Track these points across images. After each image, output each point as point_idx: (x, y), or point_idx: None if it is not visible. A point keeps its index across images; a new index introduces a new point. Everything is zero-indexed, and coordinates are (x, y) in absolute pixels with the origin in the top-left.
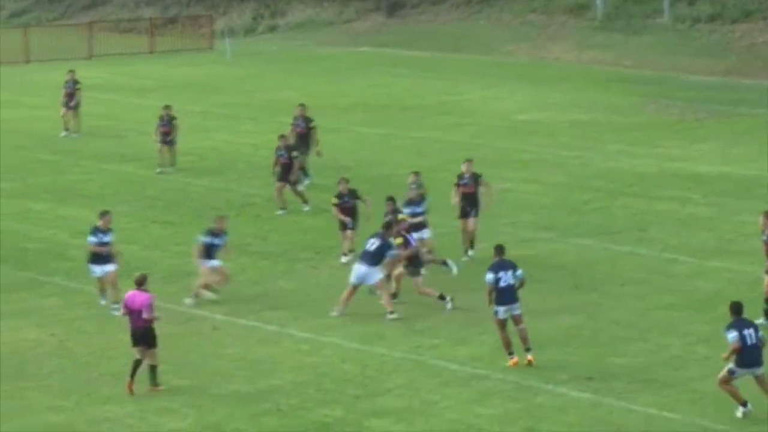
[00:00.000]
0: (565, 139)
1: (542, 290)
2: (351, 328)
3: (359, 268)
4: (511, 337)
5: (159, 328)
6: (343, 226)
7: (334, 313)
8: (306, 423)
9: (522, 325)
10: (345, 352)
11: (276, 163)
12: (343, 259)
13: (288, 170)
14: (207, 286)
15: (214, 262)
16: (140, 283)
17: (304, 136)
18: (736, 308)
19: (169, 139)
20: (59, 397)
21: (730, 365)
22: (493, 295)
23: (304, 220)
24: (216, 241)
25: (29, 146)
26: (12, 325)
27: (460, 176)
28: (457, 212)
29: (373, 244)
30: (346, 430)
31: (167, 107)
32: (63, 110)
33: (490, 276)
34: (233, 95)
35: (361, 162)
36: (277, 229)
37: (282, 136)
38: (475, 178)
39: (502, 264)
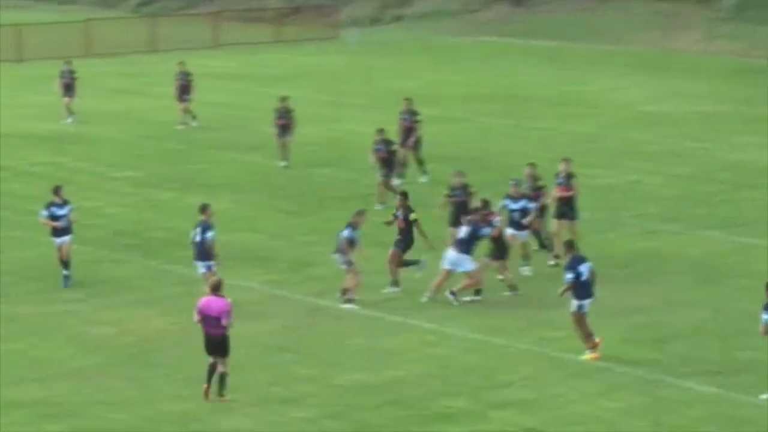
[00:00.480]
0: (692, 130)
1: (668, 282)
2: (473, 319)
3: (451, 254)
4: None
5: (284, 317)
6: (454, 222)
7: (424, 299)
8: (429, 414)
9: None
10: (468, 344)
11: (375, 158)
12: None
13: (387, 165)
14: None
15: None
16: (216, 288)
17: (410, 131)
18: None
19: (286, 131)
20: (181, 386)
21: None
22: (571, 291)
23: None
24: (355, 234)
25: (156, 136)
26: (138, 314)
27: (556, 175)
28: (552, 211)
29: (463, 231)
30: (469, 421)
31: (284, 99)
32: (179, 104)
33: (570, 275)
34: (358, 85)
35: (486, 153)
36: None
37: (380, 130)
38: (569, 178)
39: (578, 259)
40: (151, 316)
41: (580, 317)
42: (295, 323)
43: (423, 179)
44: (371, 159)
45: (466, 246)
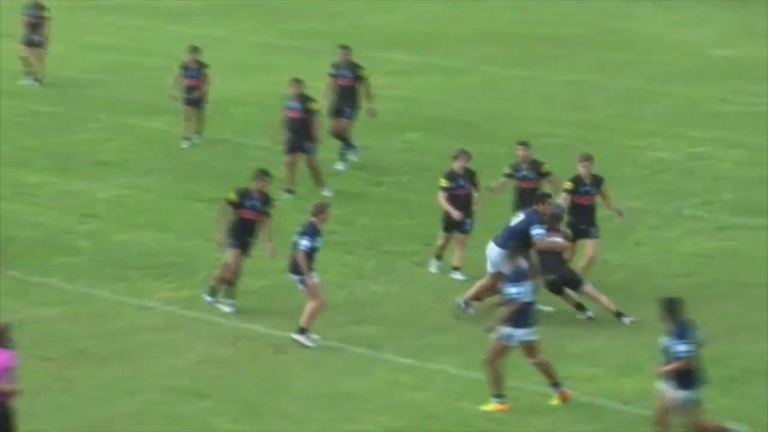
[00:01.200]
0: None
1: (747, 298)
2: (471, 352)
3: (492, 250)
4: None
5: (200, 350)
6: (450, 224)
7: (471, 311)
8: None
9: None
10: (461, 385)
11: (283, 122)
12: (434, 268)
13: (301, 131)
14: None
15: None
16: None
17: (351, 91)
18: None
19: (195, 97)
20: None
21: None
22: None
23: (407, 197)
24: (320, 241)
25: (18, 93)
26: None
27: (578, 181)
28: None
29: (517, 220)
30: None
31: (194, 50)
32: (23, 48)
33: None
34: (312, 21)
35: (490, 116)
36: (369, 211)
37: (296, 81)
38: (598, 184)
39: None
40: None
41: (501, 349)
42: (216, 358)
43: (352, 156)
44: (280, 123)
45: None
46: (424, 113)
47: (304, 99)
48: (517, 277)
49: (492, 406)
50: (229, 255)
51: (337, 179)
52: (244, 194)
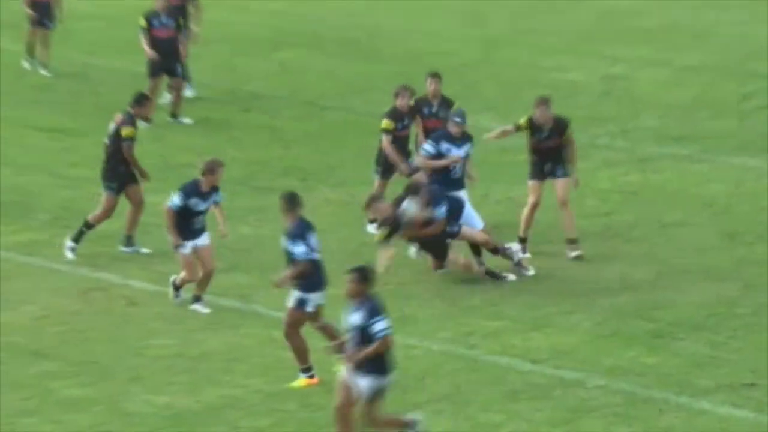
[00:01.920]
0: None
1: (673, 239)
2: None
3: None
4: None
5: (42, 303)
6: (388, 169)
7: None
8: None
9: None
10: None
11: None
12: (371, 228)
13: (171, 52)
14: (185, 282)
15: (200, 241)
16: None
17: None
18: None
19: (44, 17)
20: None
21: None
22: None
23: (281, 124)
24: (200, 204)
25: None
26: None
27: (536, 127)
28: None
29: None
30: None
31: None
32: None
33: (301, 248)
34: None
35: (375, 33)
36: (237, 142)
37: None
38: (560, 131)
39: (305, 226)
40: None
41: (298, 318)
42: (61, 312)
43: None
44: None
45: None
46: (299, 29)
47: (176, 13)
48: (300, 232)
49: (301, 381)
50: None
51: (198, 105)
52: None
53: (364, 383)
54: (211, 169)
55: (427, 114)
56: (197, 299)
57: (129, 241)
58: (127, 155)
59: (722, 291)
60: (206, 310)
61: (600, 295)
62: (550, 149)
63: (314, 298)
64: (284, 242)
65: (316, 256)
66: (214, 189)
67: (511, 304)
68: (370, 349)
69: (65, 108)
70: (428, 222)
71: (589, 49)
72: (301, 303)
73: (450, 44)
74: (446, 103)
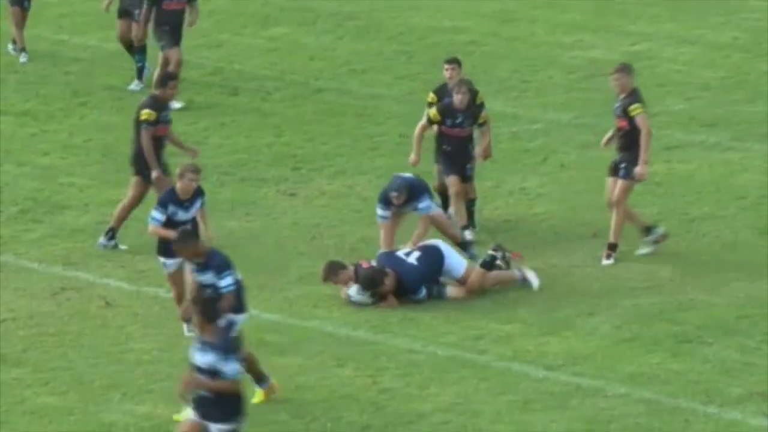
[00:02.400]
0: None
1: (701, 232)
2: (353, 305)
3: None
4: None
5: (16, 305)
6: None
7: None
8: None
9: None
10: (342, 347)
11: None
12: (468, 236)
13: (180, 24)
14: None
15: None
16: None
17: None
18: None
19: None
20: None
21: None
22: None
23: (272, 108)
24: (180, 213)
25: None
26: None
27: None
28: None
29: None
30: None
31: None
32: None
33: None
34: None
35: (378, 6)
36: (225, 127)
37: None
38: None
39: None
40: None
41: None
42: (32, 314)
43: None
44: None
45: None
46: (291, 3)
47: None
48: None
49: (258, 396)
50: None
51: (179, 87)
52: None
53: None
54: (180, 174)
55: (450, 125)
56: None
57: (111, 234)
58: (143, 141)
59: (755, 291)
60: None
61: (621, 296)
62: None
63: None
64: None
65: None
66: (198, 195)
67: (524, 305)
68: (219, 385)
69: (34, 90)
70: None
71: (611, 24)
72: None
73: (459, 20)
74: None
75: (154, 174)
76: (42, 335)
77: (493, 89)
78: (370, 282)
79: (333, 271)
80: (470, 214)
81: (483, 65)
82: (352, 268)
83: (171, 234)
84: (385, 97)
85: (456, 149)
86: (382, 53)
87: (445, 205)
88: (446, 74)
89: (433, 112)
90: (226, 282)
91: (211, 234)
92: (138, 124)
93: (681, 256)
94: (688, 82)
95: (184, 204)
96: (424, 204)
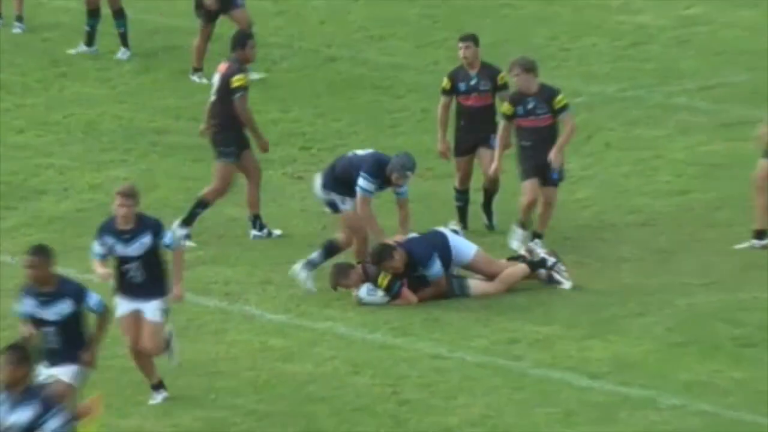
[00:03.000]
0: None
1: None
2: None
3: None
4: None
5: None
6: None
7: None
8: None
9: None
10: (357, 351)
11: None
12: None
13: None
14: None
15: (143, 307)
16: None
17: None
18: None
19: None
20: None
21: None
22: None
23: (278, 79)
24: (120, 247)
25: None
26: None
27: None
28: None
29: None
30: None
31: None
32: None
33: None
34: None
35: None
36: None
37: None
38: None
39: None
40: None
41: None
42: (1, 314)
43: None
44: None
45: None
46: None
47: None
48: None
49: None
50: None
51: (171, 56)
52: None
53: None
54: (116, 195)
55: (464, 90)
56: (156, 388)
57: (257, 222)
58: (240, 111)
59: None
60: (162, 395)
61: (674, 294)
62: None
63: None
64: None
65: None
66: (146, 229)
67: (564, 304)
68: None
69: (7, 59)
70: (424, 284)
71: None
72: None
73: None
74: (489, 72)
75: (263, 143)
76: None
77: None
78: (378, 256)
79: (342, 273)
80: (488, 214)
81: (517, 31)
82: (360, 267)
83: (101, 272)
84: (405, 68)
85: (535, 144)
86: (402, 18)
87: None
88: (461, 53)
89: (505, 106)
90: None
91: (178, 292)
92: (229, 93)
93: (743, 249)
94: (749, 50)
95: (123, 236)
96: (406, 188)
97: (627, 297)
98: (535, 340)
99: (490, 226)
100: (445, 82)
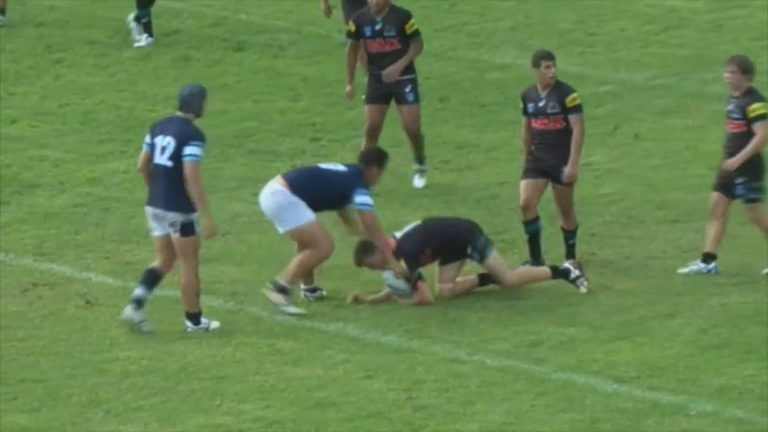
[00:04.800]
0: None
1: None
2: (384, 304)
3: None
4: None
5: None
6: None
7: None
8: None
9: None
10: (369, 354)
11: None
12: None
13: None
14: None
15: None
16: None
17: None
18: None
19: None
20: None
21: None
22: None
23: (286, 67)
24: None
25: None
26: None
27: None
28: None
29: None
30: None
31: None
32: None
33: None
34: None
35: None
36: (228, 90)
37: None
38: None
39: None
40: None
41: None
42: (7, 311)
43: None
44: None
45: None
46: None
47: None
48: None
49: None
50: None
51: (174, 41)
52: None
53: None
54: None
55: (370, 35)
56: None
57: None
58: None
59: None
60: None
61: (707, 294)
62: None
63: None
64: None
65: None
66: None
67: (590, 305)
68: None
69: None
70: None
71: None
72: None
73: None
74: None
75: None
76: (9, 341)
77: (552, 44)
78: (361, 251)
79: (368, 250)
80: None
81: (541, 15)
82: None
83: None
84: (422, 54)
85: None
86: (418, 0)
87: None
88: None
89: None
90: None
91: None
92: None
93: None
94: None
95: None
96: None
97: (656, 297)
98: (559, 343)
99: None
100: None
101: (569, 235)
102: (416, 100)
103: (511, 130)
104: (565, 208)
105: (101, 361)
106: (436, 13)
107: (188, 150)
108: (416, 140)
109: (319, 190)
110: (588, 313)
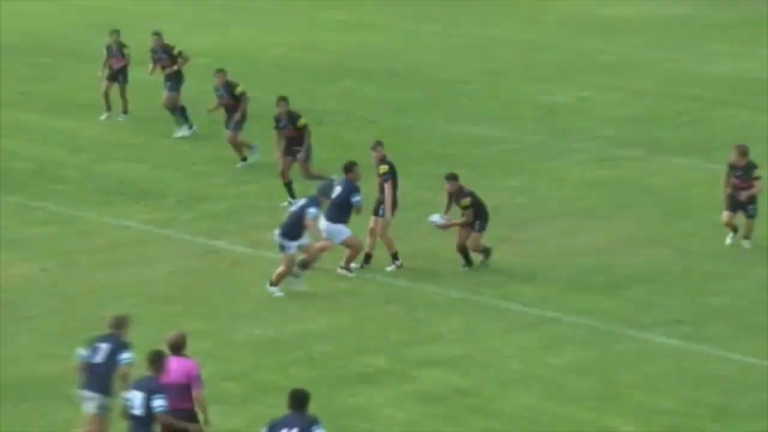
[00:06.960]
0: (656, 37)
1: (625, 218)
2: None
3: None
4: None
5: (170, 262)
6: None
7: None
8: (344, 374)
9: None
10: (390, 291)
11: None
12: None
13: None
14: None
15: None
16: (177, 347)
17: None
18: None
19: (119, 75)
20: (53, 344)
21: None
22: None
23: (344, 134)
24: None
25: (23, 48)
26: None
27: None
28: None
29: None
30: (390, 381)
31: (114, 32)
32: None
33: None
34: None
35: (412, 67)
36: (314, 145)
37: (220, 71)
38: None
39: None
40: (14, 262)
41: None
42: (184, 269)
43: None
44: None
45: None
46: (356, 63)
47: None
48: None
49: None
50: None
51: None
52: None
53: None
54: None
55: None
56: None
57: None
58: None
59: None
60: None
61: None
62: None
63: None
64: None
65: None
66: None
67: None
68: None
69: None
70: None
71: (567, 78)
72: None
73: (465, 74)
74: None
75: None
76: (193, 283)
77: (482, 118)
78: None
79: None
80: None
81: (478, 102)
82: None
83: None
84: None
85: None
86: (414, 98)
87: None
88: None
89: None
90: None
91: None
92: None
93: (611, 231)
94: (617, 116)
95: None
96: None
97: None
98: None
99: None
100: None
101: None
102: None
103: None
104: None
105: (240, 293)
106: None
107: None
108: None
109: None
110: None
